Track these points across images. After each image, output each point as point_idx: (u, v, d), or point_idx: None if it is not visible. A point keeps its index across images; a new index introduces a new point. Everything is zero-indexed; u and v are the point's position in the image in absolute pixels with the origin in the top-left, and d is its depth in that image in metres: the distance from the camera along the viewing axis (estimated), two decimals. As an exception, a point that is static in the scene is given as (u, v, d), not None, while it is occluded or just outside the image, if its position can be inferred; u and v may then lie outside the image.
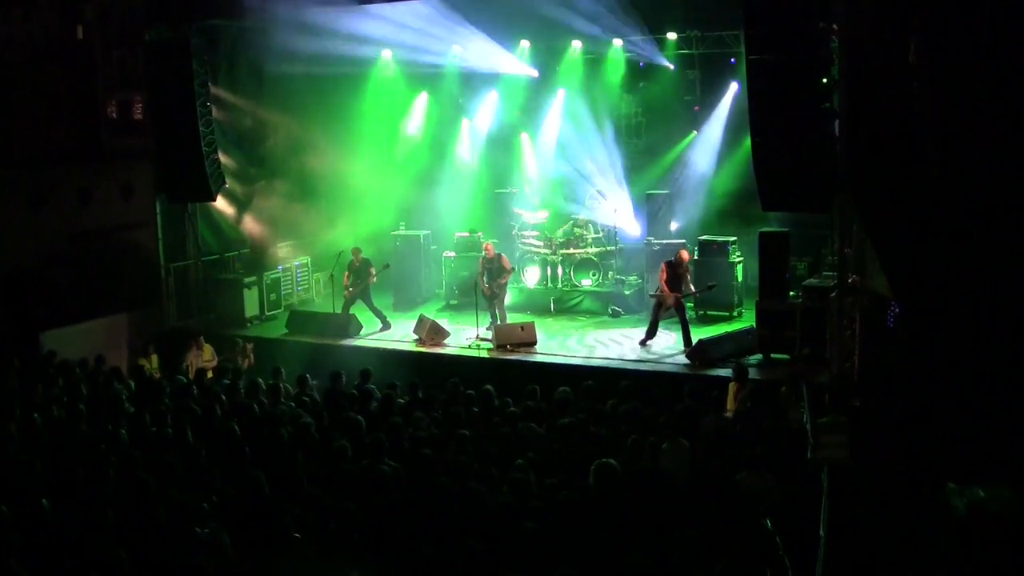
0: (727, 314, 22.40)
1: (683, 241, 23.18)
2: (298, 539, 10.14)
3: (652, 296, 21.31)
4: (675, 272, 20.62)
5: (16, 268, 25.97)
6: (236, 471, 12.44)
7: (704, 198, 24.69)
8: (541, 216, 25.26)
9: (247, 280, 24.05)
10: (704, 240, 22.82)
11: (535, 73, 26.51)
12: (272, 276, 24.75)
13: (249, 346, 21.11)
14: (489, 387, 15.78)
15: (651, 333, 20.85)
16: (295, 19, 22.47)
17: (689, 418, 14.45)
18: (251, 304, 23.96)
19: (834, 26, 17.12)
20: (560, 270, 24.24)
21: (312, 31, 22.99)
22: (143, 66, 24.30)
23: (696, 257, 22.60)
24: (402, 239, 25.55)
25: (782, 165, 17.79)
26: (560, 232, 24.54)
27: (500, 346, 20.63)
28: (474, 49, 25.47)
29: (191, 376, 19.09)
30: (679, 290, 20.46)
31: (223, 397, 16.28)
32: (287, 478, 11.95)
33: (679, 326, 20.54)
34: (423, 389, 16.51)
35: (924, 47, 14.53)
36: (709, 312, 22.52)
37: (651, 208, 24.64)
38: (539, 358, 20.29)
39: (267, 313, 24.30)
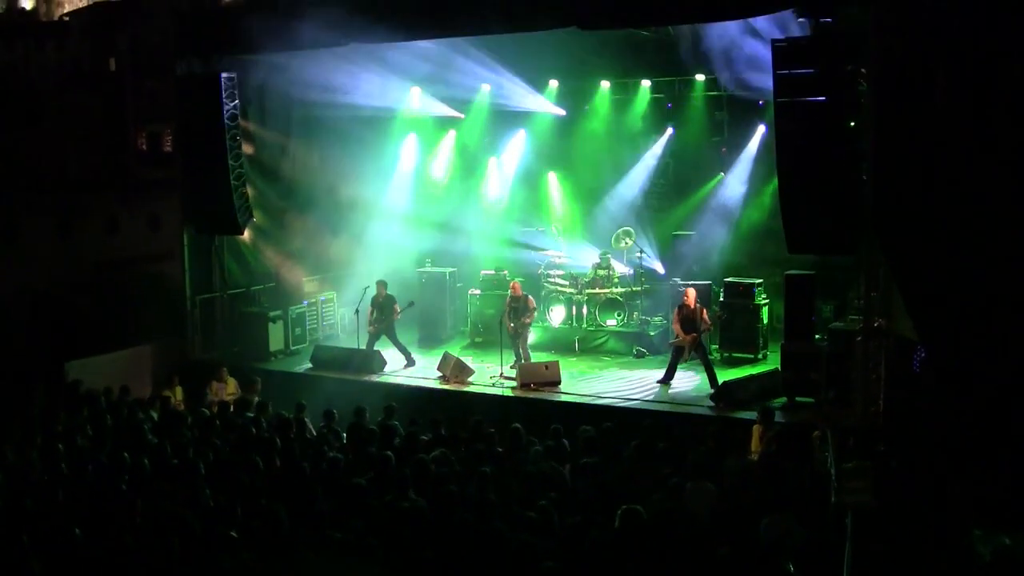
0: (751, 356, 22.29)
1: (707, 282, 23.30)
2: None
3: (671, 344, 21.29)
4: (685, 314, 20.63)
5: (43, 295, 26.10)
6: (257, 504, 12.43)
7: (730, 239, 24.61)
8: (567, 255, 25.26)
9: (272, 314, 24.06)
10: (730, 282, 22.76)
11: (563, 112, 26.57)
12: (297, 310, 24.77)
13: (258, 381, 20.76)
14: (517, 425, 15.71)
15: (668, 377, 20.82)
16: (325, 55, 22.60)
17: (712, 459, 14.38)
18: (276, 338, 23.98)
19: (862, 69, 17.13)
20: (585, 309, 24.20)
21: (341, 67, 23.14)
22: (174, 98, 24.43)
23: (722, 299, 22.61)
24: (428, 276, 25.57)
25: (809, 207, 17.78)
26: (586, 272, 24.53)
27: (524, 385, 20.57)
28: (504, 88, 25.56)
29: (214, 409, 19.11)
30: (695, 331, 20.43)
31: (248, 430, 16.29)
32: (309, 512, 11.93)
33: (703, 368, 20.49)
34: (446, 426, 16.48)
35: (952, 89, 14.51)
36: (734, 354, 22.43)
37: (677, 249, 24.67)
38: (563, 397, 20.23)
39: (292, 347, 24.32)
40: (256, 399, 19.30)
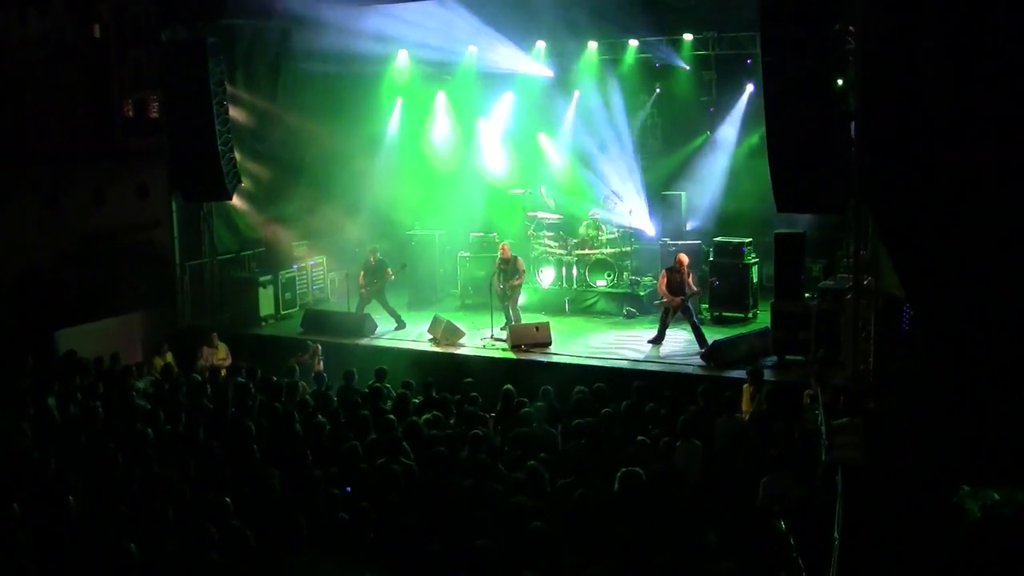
0: (741, 316, 22.33)
1: (697, 242, 23.35)
2: (310, 537, 10.15)
3: (657, 304, 21.32)
4: (675, 276, 20.62)
5: (31, 267, 26.04)
6: (249, 469, 12.46)
7: (719, 199, 24.68)
8: (556, 216, 25.22)
9: (262, 279, 24.03)
10: (719, 241, 22.76)
11: (551, 73, 26.50)
12: (287, 275, 24.72)
13: (319, 347, 20.66)
14: (510, 386, 15.77)
15: (659, 338, 20.83)
16: (312, 18, 22.49)
17: (703, 419, 14.43)
18: (266, 303, 23.94)
19: (850, 28, 17.09)
20: (575, 271, 24.18)
21: (329, 30, 23.03)
22: (159, 65, 24.28)
23: (712, 258, 22.62)
24: (417, 239, 25.54)
25: (797, 167, 17.75)
26: (575, 233, 24.52)
27: (515, 346, 20.60)
28: (490, 49, 25.46)
29: (206, 375, 19.12)
30: (682, 293, 20.43)
31: (237, 395, 16.31)
32: (301, 476, 11.96)
33: (691, 328, 20.51)
34: (437, 389, 16.51)
35: (939, 49, 14.49)
36: (724, 314, 22.47)
37: (666, 209, 24.68)
38: (554, 358, 20.26)
39: (282, 312, 24.28)
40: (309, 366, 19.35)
